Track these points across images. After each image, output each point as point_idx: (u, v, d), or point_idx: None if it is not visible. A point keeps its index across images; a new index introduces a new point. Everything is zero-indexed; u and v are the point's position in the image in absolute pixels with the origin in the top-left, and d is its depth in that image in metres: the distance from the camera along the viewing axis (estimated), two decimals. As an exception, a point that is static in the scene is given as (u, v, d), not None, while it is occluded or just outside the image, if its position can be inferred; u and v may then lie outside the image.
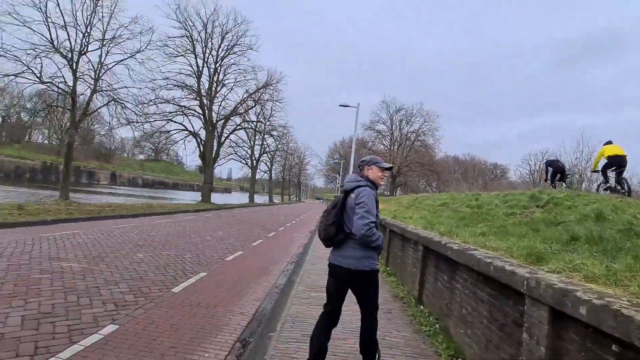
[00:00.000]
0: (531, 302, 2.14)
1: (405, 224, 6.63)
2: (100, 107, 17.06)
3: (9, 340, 3.04)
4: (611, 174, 8.12)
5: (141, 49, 17.48)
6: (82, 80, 15.63)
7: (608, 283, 2.01)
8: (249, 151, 42.92)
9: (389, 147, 47.02)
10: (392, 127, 47.40)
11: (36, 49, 13.92)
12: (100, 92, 16.27)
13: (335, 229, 2.70)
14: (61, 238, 7.56)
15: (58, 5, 14.33)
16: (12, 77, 13.66)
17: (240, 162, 42.73)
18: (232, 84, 29.27)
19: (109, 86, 16.40)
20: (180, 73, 25.97)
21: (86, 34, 15.50)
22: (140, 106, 19.83)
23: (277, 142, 47.03)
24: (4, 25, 13.23)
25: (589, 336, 1.68)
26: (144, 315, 3.96)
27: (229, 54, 27.99)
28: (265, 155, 47.56)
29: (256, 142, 43.17)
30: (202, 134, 27.72)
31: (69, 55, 15.11)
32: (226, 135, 31.70)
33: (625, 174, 8.26)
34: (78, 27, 15.27)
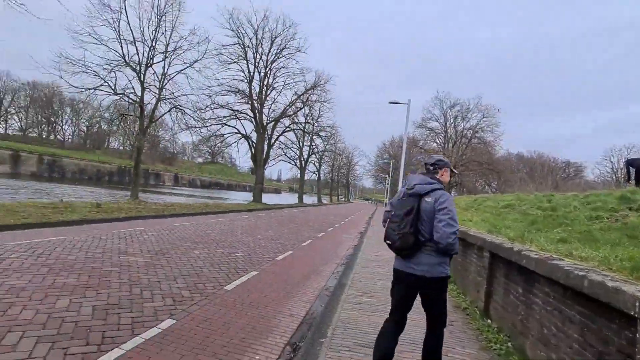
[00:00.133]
0: (649, 330, 1.68)
1: (465, 227, 6.06)
2: (163, 114, 18.68)
3: (82, 329, 3.27)
4: None
5: (199, 59, 18.72)
6: (148, 90, 17.19)
7: None
8: (298, 152, 43.75)
9: (442, 145, 44.48)
10: (446, 124, 44.58)
11: (111, 64, 15.65)
12: (164, 100, 17.76)
13: (414, 238, 2.47)
14: (130, 234, 8.24)
15: (128, 23, 15.95)
16: (92, 90, 15.50)
17: (290, 163, 43.75)
18: (281, 87, 30.09)
19: (171, 94, 17.87)
20: (234, 79, 27.35)
21: (152, 48, 17.04)
22: (198, 112, 21.28)
23: (325, 143, 47.31)
24: (86, 44, 15.10)
25: None
26: (199, 311, 4.05)
27: (278, 58, 28.81)
28: (313, 156, 48.16)
29: (305, 143, 43.88)
30: (254, 136, 28.86)
31: (138, 68, 16.72)
32: (276, 137, 32.65)
33: None
34: (145, 42, 16.86)
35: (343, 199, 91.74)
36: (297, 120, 34.47)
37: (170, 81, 18.02)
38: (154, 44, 17.04)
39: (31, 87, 65.29)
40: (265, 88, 29.10)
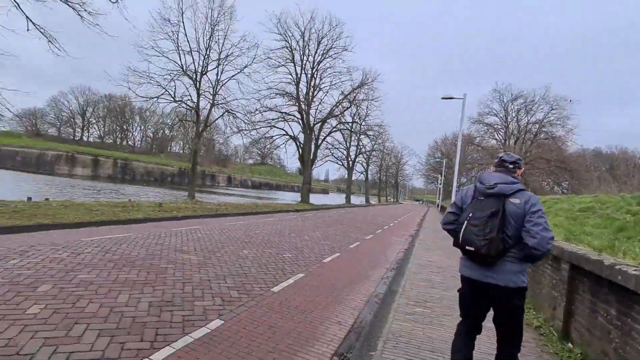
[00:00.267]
0: None
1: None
2: (217, 119, 19.76)
3: (138, 325, 3.40)
4: None
5: (249, 64, 19.48)
6: (203, 96, 18.30)
7: None
8: (345, 152, 43.52)
9: (502, 141, 40.91)
10: (506, 118, 40.84)
11: (171, 74, 16.95)
12: (217, 106, 18.77)
13: (503, 245, 2.18)
14: (186, 232, 8.70)
15: (185, 34, 17.13)
16: (155, 98, 16.91)
17: (337, 163, 43.67)
18: (327, 87, 30.16)
19: (223, 99, 18.82)
20: (282, 82, 28.03)
21: (206, 56, 18.12)
22: (248, 115, 22.18)
23: (373, 142, 46.49)
24: (150, 57, 16.54)
25: None
26: (246, 313, 4.03)
27: (324, 59, 28.91)
28: (361, 155, 47.53)
29: (352, 143, 43.53)
30: (301, 137, 29.30)
31: (194, 76, 17.87)
32: (323, 137, 32.80)
33: None
34: (200, 51, 17.98)
35: (392, 200, 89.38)
36: (344, 120, 34.30)
37: (222, 87, 19.03)
38: (208, 53, 18.14)
39: (108, 99, 74.08)
40: (312, 89, 29.38)
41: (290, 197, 53.84)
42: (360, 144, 44.67)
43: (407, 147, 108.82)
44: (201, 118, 18.62)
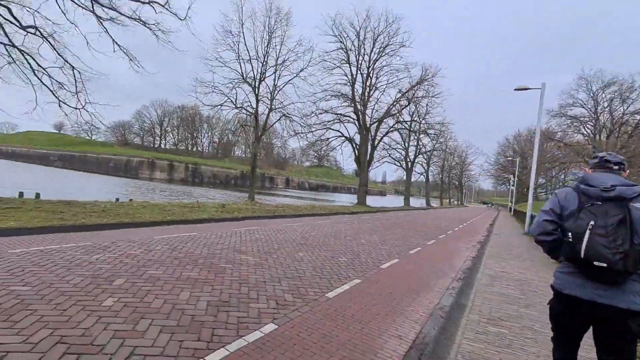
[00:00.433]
0: None
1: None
2: (274, 123, 20.49)
3: (196, 323, 3.46)
4: None
5: (304, 67, 19.86)
6: (262, 102, 19.11)
7: None
8: (403, 153, 41.96)
9: (591, 135, 35.44)
10: (596, 109, 35.13)
11: (232, 82, 18.00)
12: (274, 110, 19.43)
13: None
14: (245, 233, 8.99)
15: (245, 44, 18.10)
16: (219, 106, 18.10)
17: (395, 164, 42.27)
18: (384, 86, 29.36)
19: (280, 104, 19.42)
20: (337, 83, 28.03)
21: (264, 63, 18.87)
22: (304, 118, 22.58)
23: (434, 142, 44.13)
24: (214, 68, 17.80)
25: None
26: (299, 318, 3.90)
27: (380, 57, 28.19)
28: (421, 156, 45.42)
29: (411, 143, 41.84)
30: (357, 138, 28.95)
31: (253, 83, 18.74)
32: (380, 137, 31.97)
33: None
34: (258, 59, 18.79)
35: (455, 202, 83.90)
36: (401, 119, 33.06)
37: (279, 92, 19.63)
38: (266, 60, 18.90)
39: (180, 109, 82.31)
40: (368, 89, 28.86)
41: (347, 199, 53.62)
42: (420, 143, 42.67)
43: (473, 145, 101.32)
44: (260, 123, 19.44)
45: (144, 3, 12.56)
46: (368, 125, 28.97)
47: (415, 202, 60.19)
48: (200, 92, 17.39)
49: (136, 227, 8.48)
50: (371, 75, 28.85)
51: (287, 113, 19.50)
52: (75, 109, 13.68)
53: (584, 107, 35.46)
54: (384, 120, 30.82)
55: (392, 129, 33.14)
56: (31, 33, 12.33)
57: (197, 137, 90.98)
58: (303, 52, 19.91)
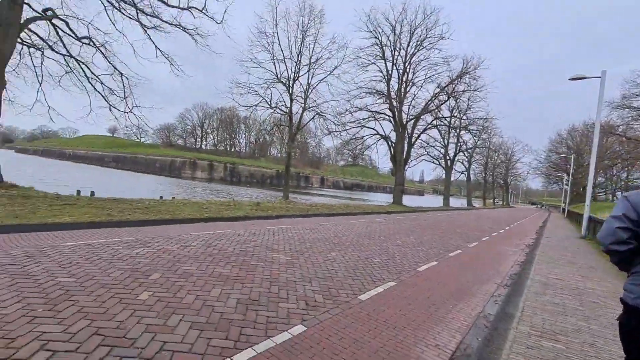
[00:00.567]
0: None
1: None
2: (308, 122, 20.53)
3: (225, 321, 3.43)
4: None
5: (338, 65, 19.67)
6: (295, 101, 19.22)
7: None
8: (443, 150, 40.22)
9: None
10: (667, 98, 31.21)
11: (267, 83, 18.29)
12: (308, 109, 19.45)
13: None
14: (278, 231, 9.01)
15: (279, 44, 18.28)
16: (254, 106, 18.49)
17: (433, 162, 40.63)
18: (422, 81, 28.27)
19: (314, 102, 19.40)
20: (372, 80, 27.47)
21: (298, 62, 18.95)
22: (338, 116, 22.35)
23: (476, 138, 41.79)
24: (249, 69, 18.21)
25: None
26: (330, 320, 3.74)
27: (418, 51, 27.16)
28: (461, 153, 43.20)
29: (450, 140, 39.97)
30: (393, 136, 28.16)
31: (287, 82, 18.90)
32: (417, 135, 30.86)
33: None
34: (292, 58, 18.90)
35: (500, 203, 79.06)
36: (440, 115, 31.61)
37: (313, 90, 19.62)
38: (299, 59, 18.98)
39: (219, 111, 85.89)
40: (404, 85, 27.97)
41: (382, 199, 52.56)
42: (461, 140, 40.64)
43: (520, 141, 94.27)
44: (294, 122, 19.58)
45: (183, 9, 13.12)
46: (404, 123, 28.06)
47: (455, 202, 57.53)
48: (236, 93, 17.92)
49: (175, 223, 8.83)
50: (408, 70, 27.93)
51: (321, 111, 19.46)
52: (124, 112, 14.66)
53: (652, 96, 31.47)
54: (422, 117, 29.69)
55: (430, 125, 31.83)
56: (85, 43, 13.38)
57: (235, 138, 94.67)
58: (337, 50, 19.81)
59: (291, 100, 18.98)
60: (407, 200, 35.24)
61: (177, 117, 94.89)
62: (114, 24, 13.34)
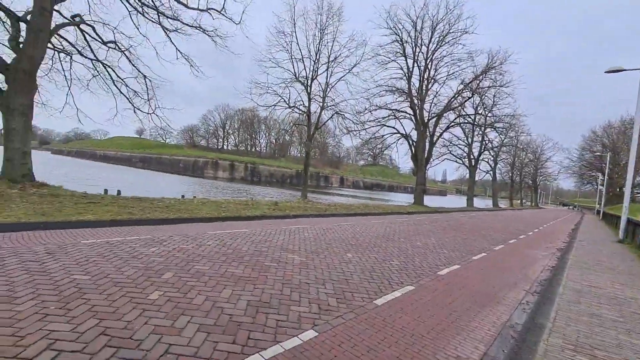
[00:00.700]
0: None
1: None
2: (326, 121, 20.34)
3: (233, 324, 3.33)
4: None
5: (357, 62, 19.37)
6: (314, 100, 19.11)
7: None
8: (466, 149, 38.86)
9: None
10: None
11: (285, 82, 18.28)
12: (327, 108, 19.28)
13: None
14: (294, 231, 8.89)
15: (297, 43, 18.19)
16: (273, 106, 18.53)
17: (456, 162, 39.39)
18: (444, 78, 27.39)
19: (332, 101, 19.21)
20: (391, 78, 26.91)
21: (316, 61, 18.82)
22: (357, 115, 22.04)
23: (503, 136, 40.17)
24: (267, 69, 18.28)
25: None
26: (342, 326, 3.56)
27: (440, 46, 26.35)
28: (486, 152, 41.61)
29: (475, 138, 38.56)
30: (414, 135, 27.51)
31: (305, 82, 18.81)
32: (439, 133, 29.97)
33: None
34: (311, 57, 18.80)
35: (528, 204, 75.75)
36: (464, 113, 30.55)
37: (331, 89, 19.44)
38: (318, 57, 18.85)
39: (240, 112, 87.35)
40: (425, 82, 27.23)
41: (403, 199, 51.58)
42: (486, 138, 39.11)
43: (550, 139, 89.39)
44: (312, 121, 19.48)
45: (202, 11, 13.31)
46: (426, 121, 27.31)
47: (479, 202, 55.61)
48: (255, 93, 18.04)
49: (194, 222, 8.91)
50: (429, 67, 27.16)
51: (340, 110, 19.24)
52: (147, 114, 15.07)
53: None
54: (444, 115, 28.78)
55: (453, 123, 30.80)
56: (111, 48, 13.84)
57: (256, 138, 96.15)
58: (355, 47, 19.54)
59: (309, 99, 18.89)
60: (429, 200, 34.35)
61: (200, 118, 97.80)
62: (137, 28, 13.73)
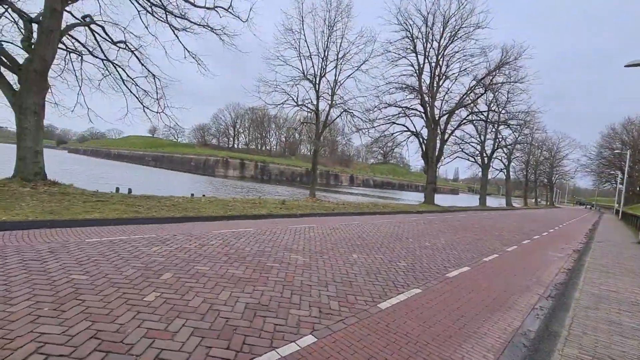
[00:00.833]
0: None
1: None
2: (335, 119, 20.14)
3: (229, 328, 3.21)
4: None
5: (366, 59, 19.04)
6: (322, 98, 18.89)
7: None
8: (479, 147, 38.00)
9: None
10: None
11: (293, 80, 18.12)
12: (335, 106, 19.05)
13: None
14: (300, 230, 8.76)
15: (306, 40, 18.03)
16: (281, 104, 18.41)
17: (468, 160, 38.54)
18: (456, 74, 26.76)
19: (340, 99, 18.96)
20: (401, 75, 26.44)
21: (324, 58, 18.61)
22: (366, 113, 21.73)
23: (517, 134, 39.13)
24: (276, 67, 18.16)
25: None
26: (343, 331, 3.41)
27: (452, 42, 25.74)
28: (500, 150, 40.61)
29: (488, 136, 37.66)
30: (425, 133, 27.01)
31: (314, 79, 18.62)
32: (450, 131, 29.36)
33: None
34: (319, 54, 18.60)
35: (544, 203, 73.85)
36: (476, 110, 29.80)
37: (340, 87, 19.19)
38: (326, 54, 18.62)
39: (251, 111, 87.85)
40: (437, 78, 26.68)
41: (413, 197, 50.95)
42: (499, 136, 38.16)
43: (567, 137, 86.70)
44: (320, 119, 19.30)
45: (209, 9, 13.27)
46: (437, 118, 26.77)
47: (492, 201, 54.45)
48: (263, 91, 17.95)
49: (199, 221, 8.87)
50: (441, 63, 26.58)
51: (349, 108, 19.00)
52: (157, 112, 15.16)
53: None
54: (456, 112, 28.15)
55: (465, 120, 30.10)
56: (121, 47, 13.96)
57: (266, 137, 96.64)
58: (364, 44, 19.26)
59: (317, 97, 18.70)
60: (440, 199, 33.77)
61: (211, 117, 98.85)
62: (146, 28, 13.80)
